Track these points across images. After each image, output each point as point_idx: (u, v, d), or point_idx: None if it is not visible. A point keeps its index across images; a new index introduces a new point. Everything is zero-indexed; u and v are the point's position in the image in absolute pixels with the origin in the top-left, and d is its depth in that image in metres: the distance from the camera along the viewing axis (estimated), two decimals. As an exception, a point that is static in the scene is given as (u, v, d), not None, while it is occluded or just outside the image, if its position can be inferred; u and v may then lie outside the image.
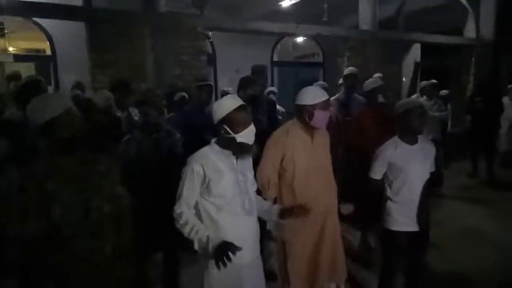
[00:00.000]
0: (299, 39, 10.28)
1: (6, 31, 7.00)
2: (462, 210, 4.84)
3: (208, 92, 3.91)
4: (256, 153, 2.10)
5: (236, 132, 1.86)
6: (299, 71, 10.25)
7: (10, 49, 7.45)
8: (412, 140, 2.46)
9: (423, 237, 2.56)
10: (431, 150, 2.53)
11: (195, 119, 3.61)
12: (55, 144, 1.61)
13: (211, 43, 8.42)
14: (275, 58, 9.99)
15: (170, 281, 2.84)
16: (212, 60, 8.33)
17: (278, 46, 9.99)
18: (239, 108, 1.89)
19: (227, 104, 1.90)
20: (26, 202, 1.54)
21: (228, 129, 1.86)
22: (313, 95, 2.40)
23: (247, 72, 3.62)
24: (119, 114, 3.71)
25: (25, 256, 1.61)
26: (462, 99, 7.60)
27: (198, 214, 1.94)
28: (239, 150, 1.92)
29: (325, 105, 2.39)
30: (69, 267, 1.60)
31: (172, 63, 4.91)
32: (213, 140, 1.97)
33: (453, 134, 6.75)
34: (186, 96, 4.33)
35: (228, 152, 1.93)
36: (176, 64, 4.95)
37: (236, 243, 1.74)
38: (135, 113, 3.82)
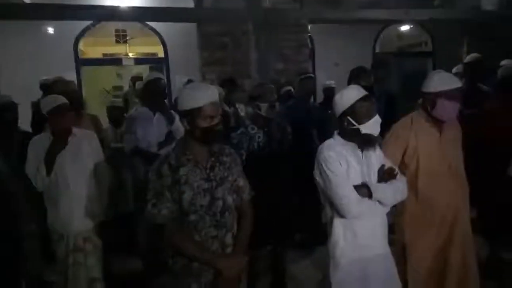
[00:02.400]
0: (404, 27, 9.49)
1: (128, 37, 7.84)
2: None
3: (311, 84, 3.90)
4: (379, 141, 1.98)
5: (361, 123, 1.79)
6: (405, 62, 9.47)
7: (130, 54, 8.36)
8: None
9: None
10: None
11: (300, 113, 3.60)
12: (193, 132, 1.66)
13: (310, 37, 8.28)
14: (377, 49, 9.40)
15: (277, 274, 2.86)
16: (310, 54, 8.21)
17: (381, 36, 9.38)
18: (364, 98, 1.82)
19: (351, 95, 1.84)
20: (162, 185, 1.64)
21: (352, 120, 1.80)
22: (440, 81, 2.14)
23: (346, 64, 3.46)
24: (227, 109, 3.86)
25: (155, 238, 1.71)
26: None
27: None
28: (364, 141, 1.83)
29: (453, 94, 2.11)
30: (192, 252, 1.66)
31: (275, 58, 4.94)
32: (336, 132, 1.92)
33: None
34: (292, 89, 4.33)
35: (353, 145, 1.86)
36: (279, 59, 4.97)
37: (365, 233, 1.76)
38: (241, 109, 3.95)
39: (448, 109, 2.12)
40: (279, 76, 4.90)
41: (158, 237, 1.71)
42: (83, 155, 2.54)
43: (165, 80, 7.17)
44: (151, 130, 3.00)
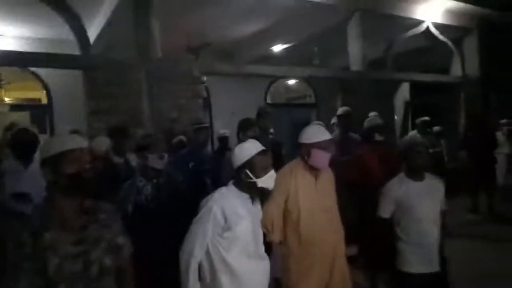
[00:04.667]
0: (291, 82, 10.55)
1: (3, 81, 7.06)
2: (469, 247, 4.72)
3: (205, 134, 3.95)
4: None
5: (257, 177, 1.89)
6: (293, 112, 10.39)
7: (6, 99, 7.49)
8: (418, 177, 2.43)
9: (440, 279, 2.46)
10: (439, 186, 2.50)
11: (193, 162, 3.61)
12: (58, 184, 1.47)
13: (206, 87, 8.59)
14: (268, 100, 10.17)
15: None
16: (207, 104, 8.46)
17: (271, 88, 10.22)
18: (261, 152, 1.93)
19: (249, 149, 1.94)
20: (21, 255, 1.40)
21: (249, 173, 1.88)
22: (312, 133, 2.39)
23: (242, 113, 3.65)
24: (117, 160, 3.67)
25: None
26: (455, 135, 7.72)
27: (209, 258, 1.88)
28: (259, 195, 1.93)
29: (325, 144, 2.35)
30: None
31: (169, 107, 4.95)
32: (231, 182, 1.98)
33: (449, 169, 6.77)
34: (184, 139, 4.33)
35: (246, 196, 1.95)
36: (173, 108, 4.99)
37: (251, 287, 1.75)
38: (132, 159, 3.79)
39: (321, 158, 2.36)
40: (173, 125, 4.90)
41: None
42: None
43: (48, 128, 6.59)
44: (21, 185, 2.67)
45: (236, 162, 1.94)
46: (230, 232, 1.87)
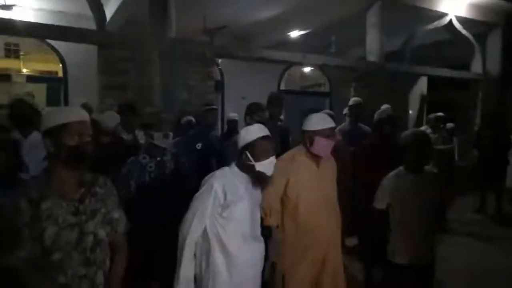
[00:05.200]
0: (306, 69, 10.45)
1: (21, 52, 7.19)
2: (470, 246, 4.70)
3: (214, 116, 3.97)
4: None
5: (257, 160, 1.92)
6: (306, 100, 10.32)
7: (24, 70, 7.64)
8: (417, 171, 2.42)
9: (428, 272, 2.47)
10: (435, 182, 2.49)
11: (200, 142, 3.64)
12: (59, 155, 1.47)
13: (220, 70, 8.58)
14: (282, 87, 10.10)
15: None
16: (220, 87, 8.46)
17: (286, 75, 10.13)
18: (265, 137, 1.96)
19: (254, 132, 1.97)
20: (17, 224, 1.42)
21: (249, 156, 1.92)
22: (316, 121, 2.38)
23: (253, 99, 3.65)
24: (125, 136, 3.73)
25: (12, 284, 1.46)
26: (469, 133, 7.57)
27: (205, 236, 1.92)
28: (256, 178, 1.96)
29: (328, 132, 2.34)
30: None
31: (180, 87, 4.98)
32: (234, 162, 2.02)
33: (460, 167, 6.67)
34: (193, 120, 4.36)
35: (246, 177, 1.98)
36: (184, 89, 5.02)
37: (245, 269, 1.81)
38: (141, 136, 3.85)
39: (324, 146, 2.35)
40: (184, 106, 4.93)
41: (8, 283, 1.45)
42: None
43: (62, 101, 6.70)
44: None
45: (240, 143, 1.99)
46: (228, 211, 1.90)
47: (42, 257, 1.45)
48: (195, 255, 1.95)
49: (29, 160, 2.58)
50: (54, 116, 1.48)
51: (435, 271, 2.54)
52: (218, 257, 1.92)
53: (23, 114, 2.88)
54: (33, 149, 2.70)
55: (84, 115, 1.55)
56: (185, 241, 1.88)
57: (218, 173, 1.99)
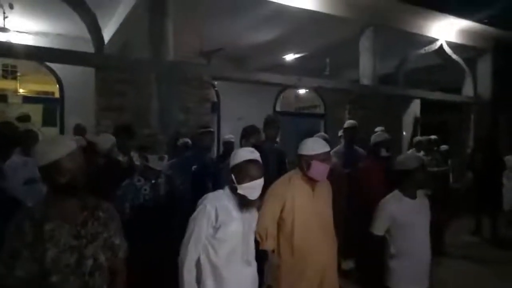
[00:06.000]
0: (301, 91, 10.59)
1: (18, 73, 7.24)
2: (466, 269, 4.66)
3: (210, 138, 3.97)
4: (259, 204, 2.11)
5: (239, 183, 1.91)
6: (301, 121, 10.42)
7: (21, 90, 7.66)
8: (413, 195, 2.43)
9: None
10: (431, 205, 2.50)
11: (196, 165, 3.64)
12: (55, 188, 1.52)
13: (216, 91, 8.68)
14: (278, 108, 10.21)
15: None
16: (216, 108, 8.53)
17: (281, 96, 10.26)
18: (250, 161, 1.95)
19: (241, 155, 1.98)
20: (20, 243, 1.45)
21: (234, 178, 1.92)
22: (312, 145, 2.39)
23: (249, 120, 3.68)
24: (121, 158, 3.73)
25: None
26: (463, 155, 7.64)
27: (197, 261, 1.91)
28: (239, 201, 1.93)
29: (324, 157, 2.36)
30: None
31: (177, 109, 5.01)
32: (227, 185, 2.01)
33: (454, 190, 6.70)
34: (189, 141, 4.37)
35: (237, 199, 1.97)
36: (181, 111, 5.05)
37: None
38: (136, 158, 3.85)
39: (321, 170, 2.36)
40: (180, 128, 4.95)
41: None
42: None
43: (58, 122, 6.70)
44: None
45: (230, 165, 2.00)
46: (220, 232, 1.89)
47: (41, 278, 1.46)
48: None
49: (7, 185, 2.56)
50: (45, 155, 1.50)
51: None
52: (208, 280, 1.89)
53: (5, 138, 2.87)
54: (13, 172, 2.70)
55: (71, 145, 1.55)
56: (183, 266, 1.86)
57: (211, 195, 2.00)
